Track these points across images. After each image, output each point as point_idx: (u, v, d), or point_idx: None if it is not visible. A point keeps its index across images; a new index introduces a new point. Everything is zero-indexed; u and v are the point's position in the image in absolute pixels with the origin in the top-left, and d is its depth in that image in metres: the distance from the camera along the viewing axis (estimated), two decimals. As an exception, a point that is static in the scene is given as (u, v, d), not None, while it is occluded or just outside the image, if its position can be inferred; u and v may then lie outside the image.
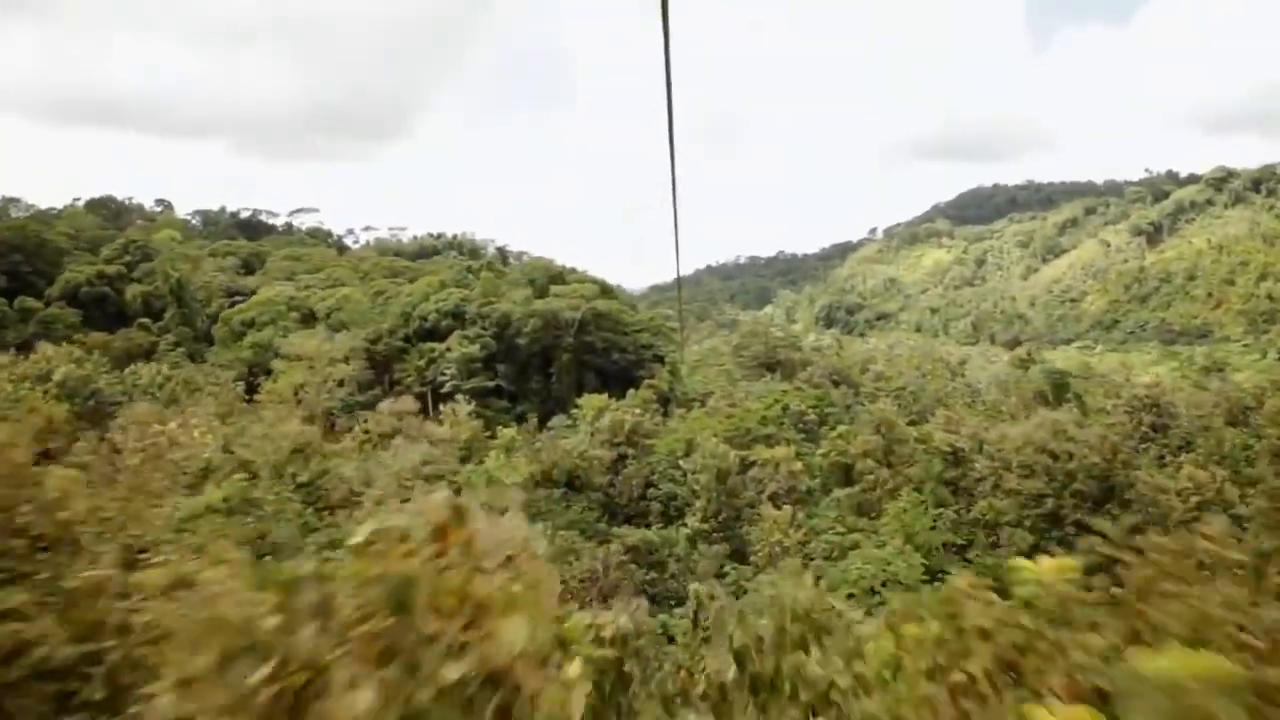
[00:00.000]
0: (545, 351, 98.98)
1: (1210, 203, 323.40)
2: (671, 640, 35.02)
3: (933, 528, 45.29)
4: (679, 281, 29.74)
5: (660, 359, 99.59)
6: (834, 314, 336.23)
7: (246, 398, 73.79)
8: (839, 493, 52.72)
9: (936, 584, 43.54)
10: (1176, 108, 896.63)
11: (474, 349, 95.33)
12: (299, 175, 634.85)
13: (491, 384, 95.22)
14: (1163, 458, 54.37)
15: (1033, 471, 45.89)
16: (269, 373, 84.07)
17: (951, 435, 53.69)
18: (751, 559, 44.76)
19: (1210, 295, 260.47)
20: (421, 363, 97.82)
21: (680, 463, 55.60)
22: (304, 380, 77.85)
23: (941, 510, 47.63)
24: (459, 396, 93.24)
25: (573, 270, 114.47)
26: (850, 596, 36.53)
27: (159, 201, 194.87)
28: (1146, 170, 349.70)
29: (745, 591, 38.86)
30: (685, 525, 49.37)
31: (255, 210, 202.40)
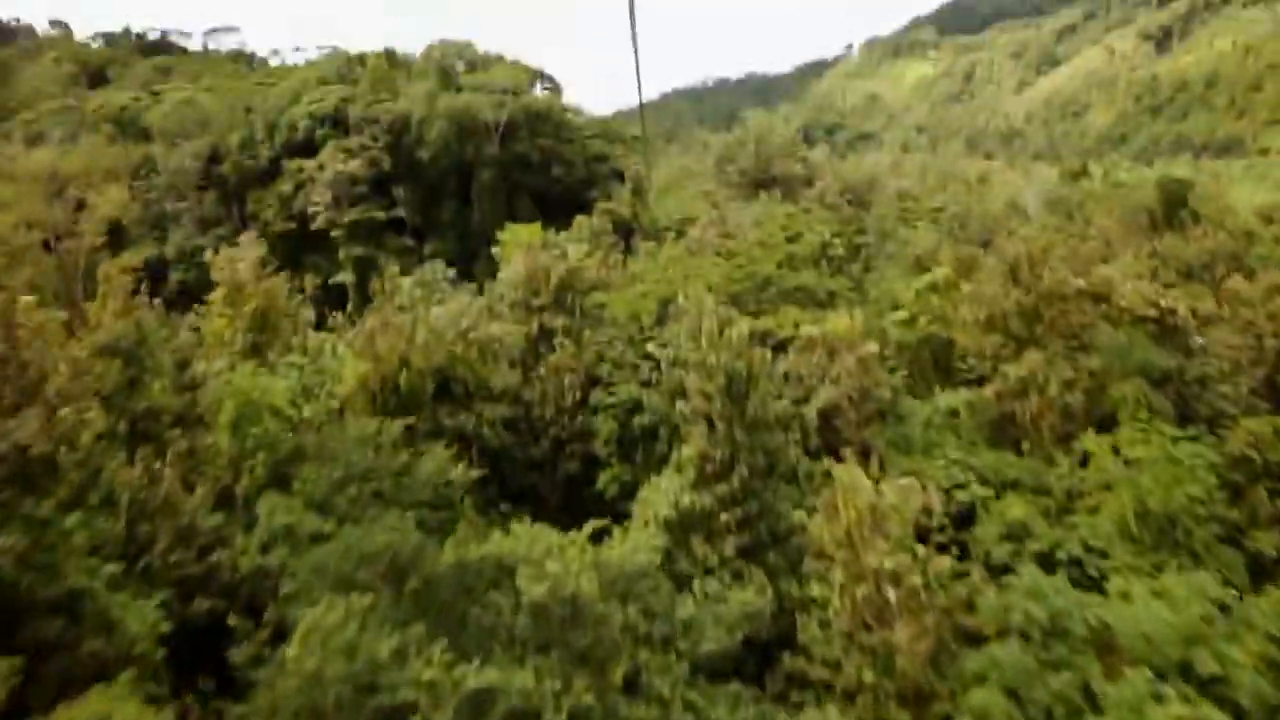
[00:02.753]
0: (460, 168, 71.65)
1: (1226, 1, 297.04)
2: None
3: (1192, 496, 21.24)
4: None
5: (619, 175, 72.92)
6: (811, 135, 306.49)
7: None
8: (947, 398, 28.13)
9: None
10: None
11: (355, 166, 67.76)
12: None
13: (383, 215, 68.56)
14: None
15: None
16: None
17: (1144, 287, 29.13)
18: (807, 613, 19.47)
19: (1233, 103, 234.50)
20: (287, 188, 70.42)
21: (650, 345, 30.74)
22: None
23: (1192, 445, 23.39)
24: (333, 233, 66.98)
25: (499, 58, 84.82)
26: None
27: (54, 23, 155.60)
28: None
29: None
30: (666, 479, 24.83)
31: (165, 30, 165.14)
